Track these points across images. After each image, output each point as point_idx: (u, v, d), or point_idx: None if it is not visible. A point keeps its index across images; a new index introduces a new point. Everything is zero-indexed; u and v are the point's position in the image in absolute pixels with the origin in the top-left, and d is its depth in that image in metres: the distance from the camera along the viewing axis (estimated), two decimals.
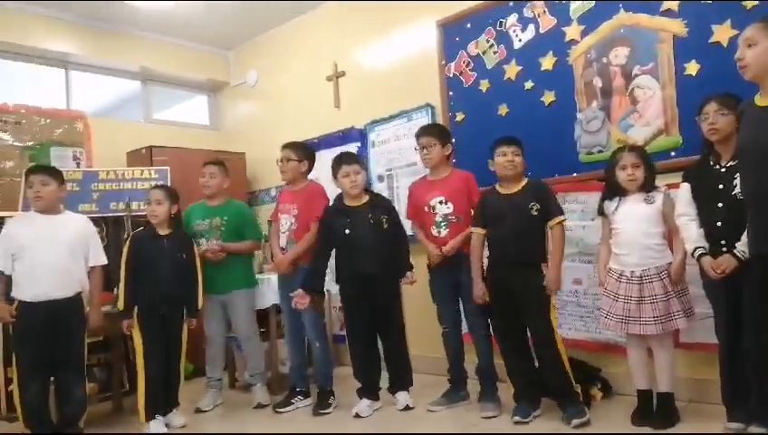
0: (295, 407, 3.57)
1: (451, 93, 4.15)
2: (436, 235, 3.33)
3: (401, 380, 3.46)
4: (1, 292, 3.02)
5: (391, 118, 4.51)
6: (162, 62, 5.55)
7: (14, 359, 3.02)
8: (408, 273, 3.40)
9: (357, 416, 3.33)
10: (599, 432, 2.78)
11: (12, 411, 3.37)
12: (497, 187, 3.15)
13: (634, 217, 2.83)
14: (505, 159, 3.05)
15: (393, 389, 3.47)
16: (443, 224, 3.31)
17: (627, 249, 2.83)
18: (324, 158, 4.80)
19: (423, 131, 3.48)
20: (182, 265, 3.46)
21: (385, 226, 3.39)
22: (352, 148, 4.74)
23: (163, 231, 3.45)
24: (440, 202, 3.32)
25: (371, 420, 3.31)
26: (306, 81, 5.22)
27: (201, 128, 6.05)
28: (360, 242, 3.35)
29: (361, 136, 4.73)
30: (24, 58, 4.93)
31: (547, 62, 3.65)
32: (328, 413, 3.44)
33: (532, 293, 2.95)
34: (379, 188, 4.47)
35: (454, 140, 3.59)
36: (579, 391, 2.97)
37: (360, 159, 3.56)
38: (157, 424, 3.29)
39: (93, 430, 3.28)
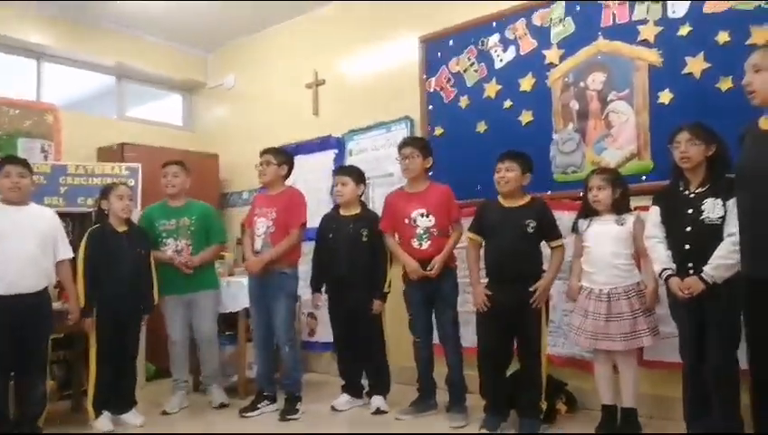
0: (261, 412, 3.53)
1: (431, 108, 4.21)
2: (417, 247, 3.35)
3: (377, 384, 3.56)
4: None
5: (370, 128, 4.56)
6: (138, 58, 5.46)
7: None
8: (377, 302, 3.48)
9: (333, 408, 3.55)
10: None
11: None
12: (499, 198, 3.16)
13: (604, 238, 2.92)
14: (497, 176, 3.10)
15: (370, 392, 3.58)
16: (425, 236, 3.35)
17: (596, 268, 2.92)
18: (301, 164, 4.83)
19: (406, 142, 3.55)
20: (141, 263, 3.46)
21: (364, 238, 3.50)
22: (330, 155, 4.79)
23: (121, 228, 3.43)
24: (421, 215, 3.36)
25: (338, 422, 3.38)
26: (285, 87, 5.22)
27: (174, 128, 5.98)
28: (338, 248, 3.52)
29: (339, 144, 4.76)
30: None
31: (526, 83, 3.75)
32: (295, 419, 3.42)
33: (524, 307, 2.97)
34: None
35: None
36: (543, 407, 3.03)
37: (353, 172, 3.65)
38: (103, 421, 3.27)
39: (51, 429, 3.18)
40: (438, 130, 4.14)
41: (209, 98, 5.98)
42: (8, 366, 2.95)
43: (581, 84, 3.53)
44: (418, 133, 4.19)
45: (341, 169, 3.75)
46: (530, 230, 3.03)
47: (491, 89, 3.91)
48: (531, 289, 2.97)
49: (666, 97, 3.21)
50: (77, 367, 3.70)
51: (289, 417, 3.42)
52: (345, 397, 3.61)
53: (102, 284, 3.29)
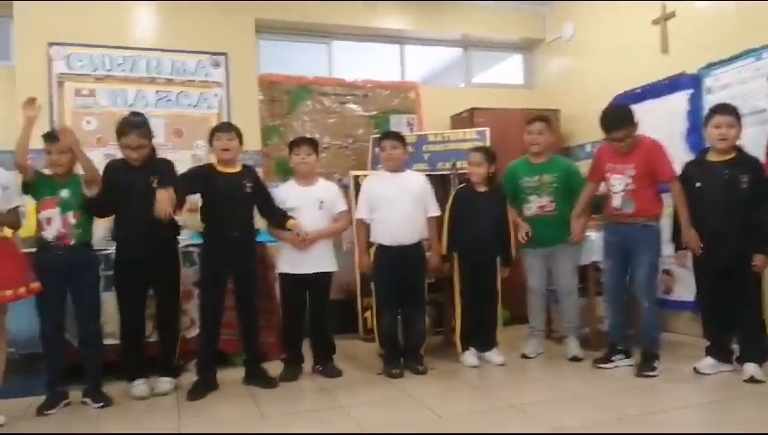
0: (615, 365, 3.52)
1: None
2: None
3: (751, 350, 3.21)
4: (364, 237, 3.71)
5: (733, 59, 3.98)
6: (480, 26, 5.82)
7: (373, 291, 3.67)
8: (760, 257, 3.13)
9: (696, 371, 3.34)
10: None
11: (367, 334, 4.12)
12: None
13: None
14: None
15: (741, 358, 3.24)
16: None
17: None
18: (648, 109, 4.50)
19: None
20: (498, 219, 3.74)
21: (743, 185, 3.14)
22: (682, 96, 4.36)
23: (481, 188, 3.76)
24: None
25: (703, 385, 3.19)
26: (627, 28, 4.92)
27: (515, 87, 6.20)
28: (709, 198, 3.22)
29: (694, 82, 4.28)
30: (365, 38, 5.67)
31: None
32: (653, 376, 3.31)
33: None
34: None
35: None
36: None
37: (737, 113, 3.24)
38: (470, 356, 3.72)
39: (429, 357, 3.77)
40: None
41: (547, 53, 6.02)
42: (396, 303, 3.60)
43: None
44: None
45: (728, 110, 3.25)
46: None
47: None
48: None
49: None
50: (447, 308, 4.27)
51: (646, 373, 3.32)
52: (710, 360, 3.32)
53: (463, 236, 3.71)
